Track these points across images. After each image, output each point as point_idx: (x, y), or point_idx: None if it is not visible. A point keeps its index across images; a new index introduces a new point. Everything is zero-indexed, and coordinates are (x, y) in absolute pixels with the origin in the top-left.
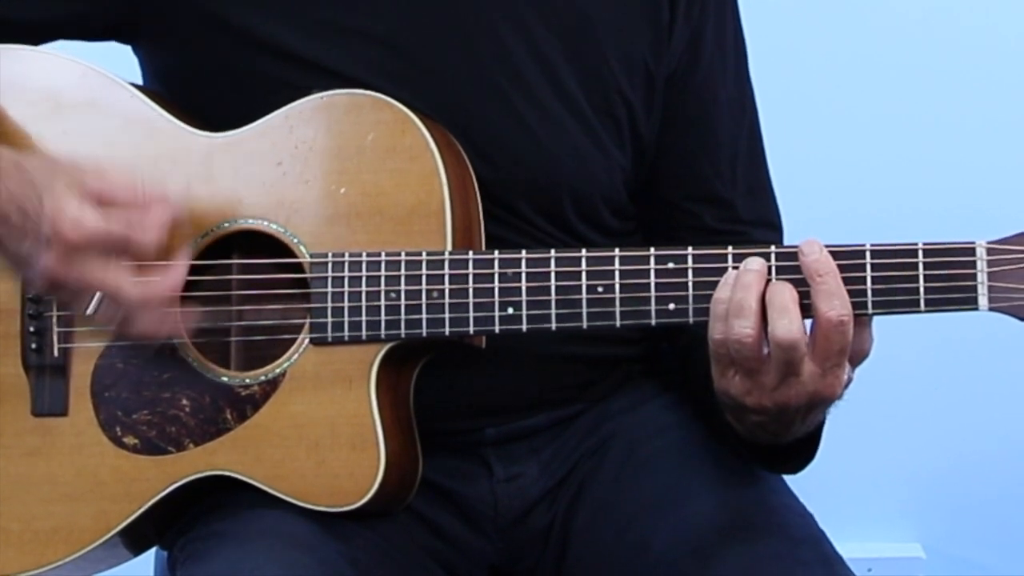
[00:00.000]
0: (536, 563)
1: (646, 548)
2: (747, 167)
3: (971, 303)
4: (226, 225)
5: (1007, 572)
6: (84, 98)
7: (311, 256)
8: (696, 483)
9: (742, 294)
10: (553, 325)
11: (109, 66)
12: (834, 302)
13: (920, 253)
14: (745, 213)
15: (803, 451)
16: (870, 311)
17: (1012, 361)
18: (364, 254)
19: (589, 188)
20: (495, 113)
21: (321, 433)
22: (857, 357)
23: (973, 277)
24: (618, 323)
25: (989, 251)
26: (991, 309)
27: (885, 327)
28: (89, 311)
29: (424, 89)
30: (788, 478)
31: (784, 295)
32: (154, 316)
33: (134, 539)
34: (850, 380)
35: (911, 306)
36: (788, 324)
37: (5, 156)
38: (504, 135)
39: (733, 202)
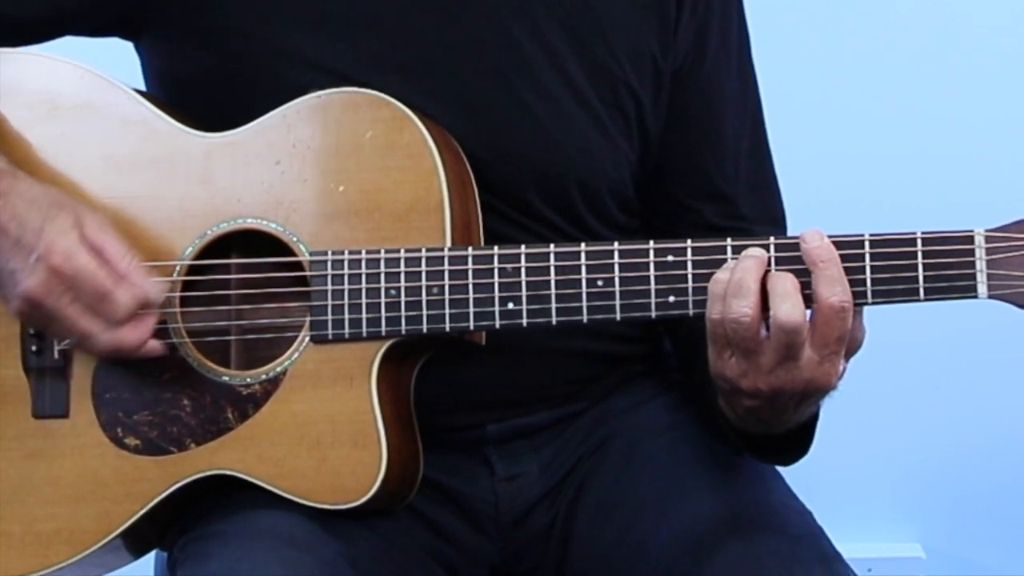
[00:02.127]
0: (537, 563)
1: (646, 548)
2: (750, 163)
3: (970, 291)
4: (225, 225)
5: (1007, 572)
6: (81, 100)
7: (311, 255)
8: (695, 482)
9: (741, 275)
10: (553, 319)
11: (107, 68)
12: (836, 288)
13: (919, 242)
14: (747, 210)
15: (795, 444)
16: (870, 301)
17: (1012, 362)
18: (363, 252)
19: (597, 180)
20: (503, 105)
21: (322, 431)
22: (851, 348)
23: (972, 265)
24: (618, 316)
25: (988, 239)
26: (991, 297)
27: (885, 327)
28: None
29: (432, 81)
30: (788, 479)
31: (786, 282)
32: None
33: (136, 540)
34: (844, 371)
35: (911, 295)
36: (791, 308)
37: (20, 176)
38: (512, 127)
39: (735, 198)
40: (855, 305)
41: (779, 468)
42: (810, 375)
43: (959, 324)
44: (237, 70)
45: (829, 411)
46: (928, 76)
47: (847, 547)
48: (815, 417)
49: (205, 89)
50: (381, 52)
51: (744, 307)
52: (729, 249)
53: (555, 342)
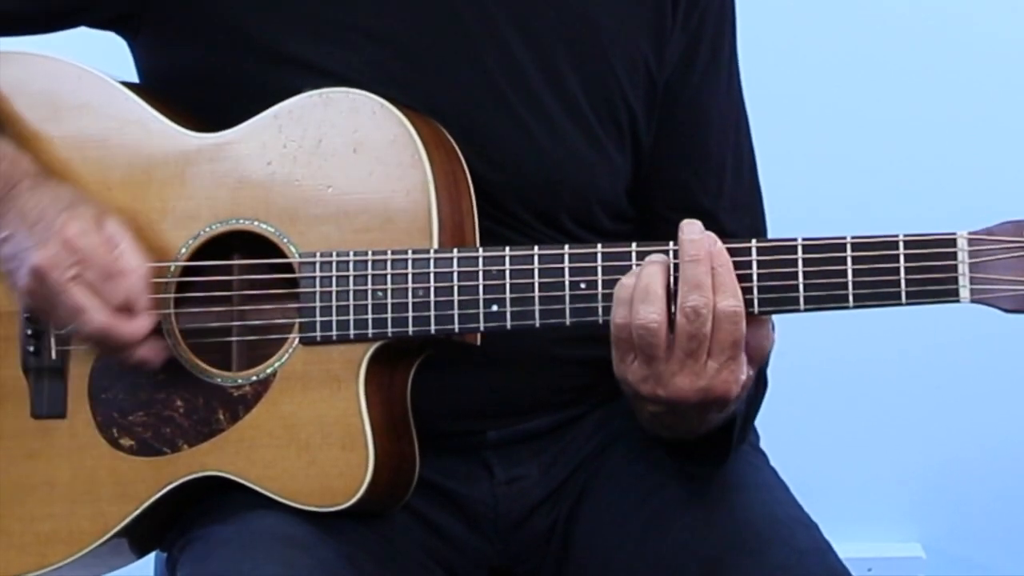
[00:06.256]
0: (537, 566)
1: (650, 556)
2: (733, 182)
3: (952, 295)
4: (218, 226)
5: (1007, 572)
6: (80, 101)
7: (300, 255)
8: (700, 493)
9: (648, 280)
10: (537, 322)
11: (106, 66)
12: (725, 293)
13: (901, 245)
14: (728, 226)
15: (712, 450)
16: (851, 305)
17: (1012, 363)
18: (351, 253)
19: (589, 194)
20: (498, 118)
21: (311, 433)
22: (757, 355)
23: (954, 268)
24: (600, 319)
25: (970, 242)
26: (973, 301)
27: (885, 327)
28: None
29: (428, 92)
30: (788, 479)
31: (698, 270)
32: (119, 350)
33: (134, 540)
34: (750, 379)
35: (892, 299)
36: (699, 297)
37: (52, 177)
38: (506, 140)
39: (716, 214)
40: (839, 308)
41: (778, 471)
42: (707, 383)
43: (959, 324)
44: (234, 71)
45: (830, 411)
46: (913, 80)
47: (847, 547)
48: (730, 425)
49: (199, 89)
50: (379, 62)
51: (652, 312)
52: None
53: (555, 349)
